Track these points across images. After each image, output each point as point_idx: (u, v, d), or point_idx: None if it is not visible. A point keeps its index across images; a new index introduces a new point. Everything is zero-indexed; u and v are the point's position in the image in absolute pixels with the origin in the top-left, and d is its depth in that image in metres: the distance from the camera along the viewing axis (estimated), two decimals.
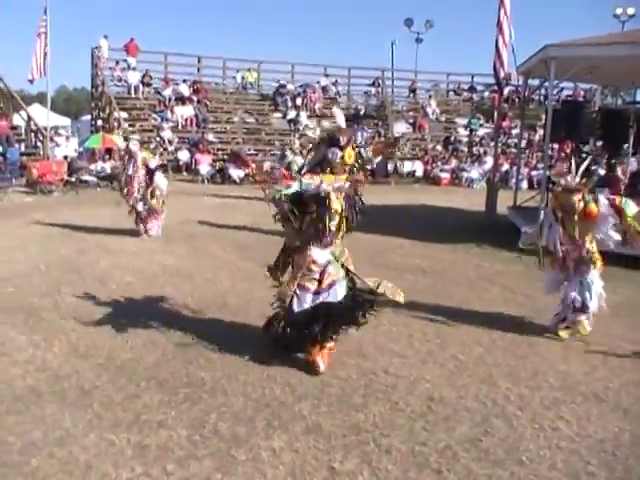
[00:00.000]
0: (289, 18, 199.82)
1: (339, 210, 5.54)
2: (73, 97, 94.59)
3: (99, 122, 28.78)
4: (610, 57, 11.98)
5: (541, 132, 26.74)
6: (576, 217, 6.66)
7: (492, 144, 23.53)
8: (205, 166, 24.92)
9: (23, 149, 23.47)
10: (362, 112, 32.32)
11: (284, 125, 30.78)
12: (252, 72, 33.18)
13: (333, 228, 5.56)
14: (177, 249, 10.96)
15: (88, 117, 34.50)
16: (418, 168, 28.33)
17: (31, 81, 22.75)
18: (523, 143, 24.92)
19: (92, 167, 21.92)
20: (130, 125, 27.04)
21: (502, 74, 15.31)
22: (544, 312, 7.36)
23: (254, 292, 8.08)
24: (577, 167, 6.80)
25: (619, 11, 35.19)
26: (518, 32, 14.98)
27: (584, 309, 6.81)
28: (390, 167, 27.41)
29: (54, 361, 5.71)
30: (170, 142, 27.02)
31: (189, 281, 8.79)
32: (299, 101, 31.59)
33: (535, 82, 17.73)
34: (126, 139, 13.76)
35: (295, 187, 5.29)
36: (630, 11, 35.00)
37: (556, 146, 23.45)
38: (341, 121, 5.91)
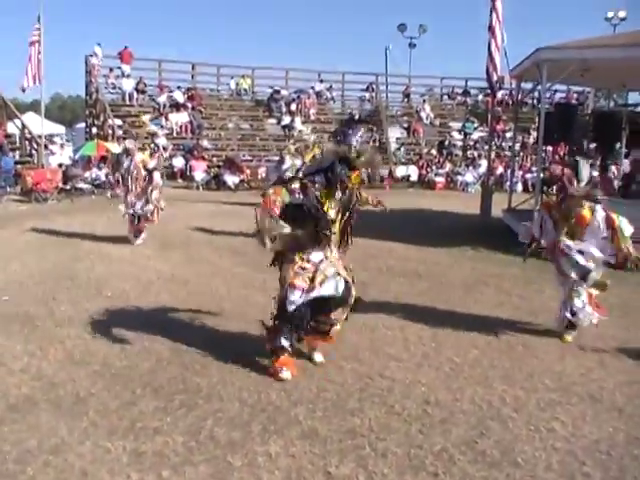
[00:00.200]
0: (282, 24, 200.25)
1: (335, 219, 5.61)
2: (67, 105, 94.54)
3: (94, 130, 28.78)
4: (602, 59, 12.05)
5: (535, 135, 26.80)
6: (572, 220, 6.69)
7: (486, 147, 23.59)
8: (200, 173, 24.93)
9: (17, 157, 23.44)
10: (356, 117, 32.35)
11: (279, 131, 30.79)
12: (246, 78, 33.18)
13: (331, 232, 5.60)
14: (172, 256, 10.96)
15: (83, 125, 34.47)
16: (413, 172, 28.40)
17: (24, 89, 22.71)
18: (517, 146, 25.01)
19: (87, 175, 21.89)
20: (124, 132, 27.04)
21: (495, 78, 15.40)
22: (539, 314, 7.40)
23: (250, 298, 8.10)
24: (586, 172, 6.84)
25: (610, 14, 35.38)
26: (511, 36, 15.07)
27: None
28: (385, 172, 27.47)
29: (49, 369, 5.70)
30: (165, 149, 27.00)
31: (184, 287, 8.79)
32: (293, 107, 31.61)
33: (528, 85, 17.82)
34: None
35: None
36: (621, 14, 35.20)
37: (550, 149, 23.50)
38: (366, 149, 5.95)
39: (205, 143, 28.25)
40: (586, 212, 6.65)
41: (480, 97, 35.66)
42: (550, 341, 6.82)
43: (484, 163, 24.97)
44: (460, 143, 32.26)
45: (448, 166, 28.95)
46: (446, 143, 31.63)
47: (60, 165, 22.85)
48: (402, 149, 31.20)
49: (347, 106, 34.98)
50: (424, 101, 35.02)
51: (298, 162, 15.20)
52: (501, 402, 5.21)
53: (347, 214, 5.82)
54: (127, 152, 11.80)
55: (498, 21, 14.55)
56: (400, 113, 34.79)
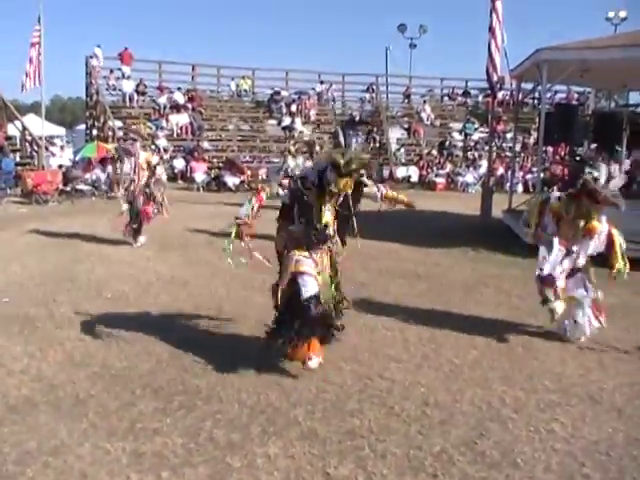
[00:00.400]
0: (282, 25, 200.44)
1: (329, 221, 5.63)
2: (68, 106, 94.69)
3: (94, 131, 28.81)
4: (602, 60, 12.05)
5: (535, 135, 26.80)
6: (581, 225, 6.65)
7: (487, 148, 23.59)
8: (200, 174, 24.93)
9: (18, 159, 23.45)
10: (357, 118, 32.36)
11: (279, 132, 30.82)
12: (246, 79, 33.21)
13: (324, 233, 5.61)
14: (172, 257, 10.96)
15: (83, 126, 34.51)
16: (413, 173, 28.42)
17: (23, 89, 22.67)
18: (517, 147, 25.01)
19: (87, 176, 21.88)
20: (125, 133, 27.04)
21: (495, 78, 15.38)
22: (539, 315, 7.37)
23: (249, 299, 8.10)
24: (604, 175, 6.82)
25: (611, 14, 35.37)
26: (511, 36, 15.08)
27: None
28: (386, 172, 27.51)
29: (49, 370, 5.70)
30: (165, 150, 27.01)
31: (184, 289, 8.79)
32: (294, 108, 31.63)
33: (529, 86, 17.81)
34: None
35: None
36: (622, 14, 35.18)
37: (550, 149, 23.50)
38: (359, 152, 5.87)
39: (205, 144, 28.28)
40: (597, 223, 6.63)
41: (480, 98, 35.64)
42: (550, 342, 6.82)
43: (484, 164, 24.97)
44: (460, 144, 32.26)
45: (449, 167, 28.98)
46: (446, 144, 31.63)
47: (60, 167, 22.86)
48: (402, 150, 31.19)
49: (347, 107, 34.99)
50: (424, 102, 35.03)
51: (300, 161, 15.23)
52: (501, 403, 5.21)
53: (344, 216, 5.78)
54: (129, 153, 11.78)
55: (498, 21, 14.55)
56: (400, 114, 34.81)
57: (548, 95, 24.54)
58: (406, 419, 4.85)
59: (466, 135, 32.57)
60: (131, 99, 29.70)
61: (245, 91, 33.23)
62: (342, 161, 5.34)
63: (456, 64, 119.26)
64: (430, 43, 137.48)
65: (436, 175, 28.02)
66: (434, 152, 31.10)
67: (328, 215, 5.60)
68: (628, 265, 6.75)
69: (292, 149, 17.37)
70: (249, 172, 25.18)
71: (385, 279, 9.58)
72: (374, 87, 34.46)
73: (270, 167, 25.95)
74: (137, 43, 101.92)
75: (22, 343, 6.39)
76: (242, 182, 24.48)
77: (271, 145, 30.28)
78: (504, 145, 30.91)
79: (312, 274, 5.51)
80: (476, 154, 30.96)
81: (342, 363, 5.91)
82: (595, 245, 6.70)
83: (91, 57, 29.68)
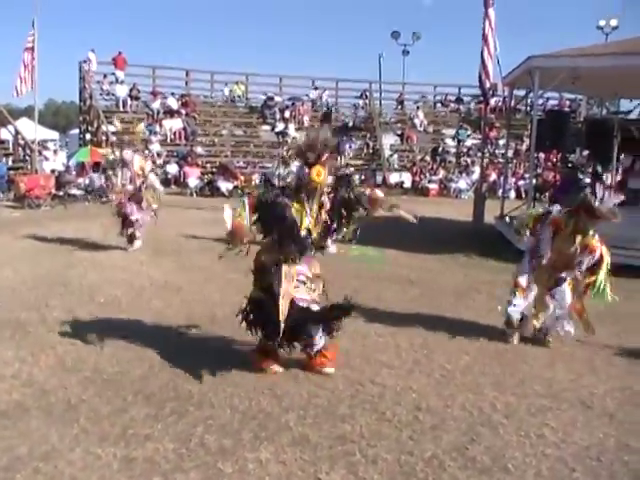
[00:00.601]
0: (276, 32, 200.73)
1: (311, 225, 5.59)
2: (62, 111, 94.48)
3: (87, 136, 28.78)
4: (593, 68, 12.12)
5: (528, 142, 26.91)
6: (578, 240, 6.68)
7: (479, 154, 23.68)
8: (194, 179, 24.94)
9: (11, 163, 23.42)
10: (350, 124, 32.42)
11: (273, 138, 30.83)
12: (240, 85, 33.27)
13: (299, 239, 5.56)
14: (165, 262, 10.96)
15: (77, 131, 34.47)
16: (406, 179, 28.47)
17: (18, 94, 22.63)
18: (510, 153, 25.09)
19: (80, 181, 21.86)
20: (119, 140, 27.02)
21: (488, 85, 15.45)
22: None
23: (242, 304, 8.07)
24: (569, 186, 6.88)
25: (602, 23, 35.52)
26: (504, 43, 15.15)
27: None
28: (379, 178, 27.57)
29: (40, 375, 5.68)
30: (159, 155, 26.99)
31: (177, 294, 8.79)
32: (287, 113, 31.67)
33: (521, 92, 17.88)
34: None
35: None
36: (613, 23, 35.34)
37: (543, 155, 23.59)
38: (318, 133, 5.66)
39: (199, 149, 28.28)
40: (593, 241, 6.67)
41: (472, 104, 35.75)
42: (541, 348, 6.85)
43: (477, 170, 25.08)
44: (453, 150, 32.36)
45: (441, 173, 29.05)
46: (439, 150, 31.70)
47: (53, 171, 22.83)
48: (395, 156, 31.25)
49: (341, 113, 35.04)
50: (418, 108, 35.14)
51: (293, 168, 15.21)
52: (492, 408, 5.22)
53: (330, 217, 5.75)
54: (124, 163, 11.74)
55: (491, 29, 14.63)
56: (394, 120, 34.87)
57: (540, 102, 24.66)
58: (397, 424, 4.86)
59: (459, 141, 32.67)
60: (124, 104, 29.70)
61: (239, 96, 33.29)
62: (303, 145, 5.38)
63: (449, 71, 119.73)
64: (423, 50, 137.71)
65: (429, 181, 28.10)
66: (427, 158, 31.18)
67: (308, 221, 5.57)
68: (609, 288, 6.81)
69: (285, 155, 17.38)
70: (242, 177, 25.20)
71: (377, 285, 9.59)
72: (367, 93, 34.54)
73: (263, 172, 25.96)
74: (131, 48, 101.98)
75: (14, 348, 6.37)
76: (235, 187, 24.49)
77: (265, 151, 30.28)
78: (497, 151, 31.01)
79: (307, 299, 5.53)
80: (469, 160, 31.06)
81: (334, 368, 5.92)
82: (588, 259, 6.76)
83: (85, 61, 29.68)
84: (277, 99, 32.79)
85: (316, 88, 34.40)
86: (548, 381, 5.87)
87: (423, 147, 32.30)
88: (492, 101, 28.58)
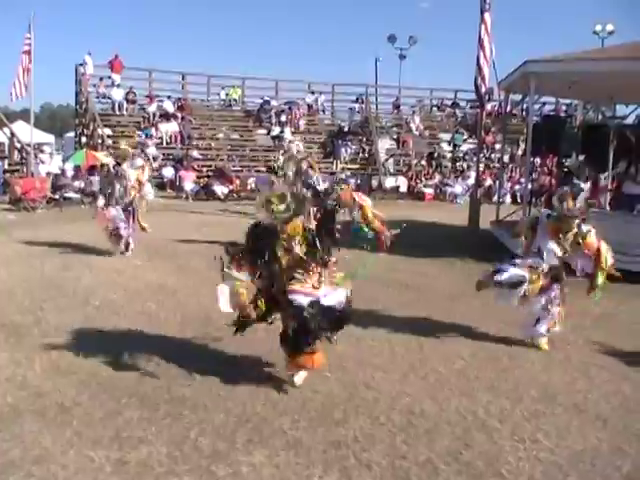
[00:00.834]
0: (273, 35, 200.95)
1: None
2: (58, 114, 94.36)
3: (83, 139, 28.74)
4: (589, 73, 12.14)
5: (524, 147, 26.96)
6: (567, 241, 6.75)
7: (475, 159, 23.71)
8: (189, 183, 24.90)
9: (6, 166, 23.38)
10: (346, 128, 32.46)
11: (268, 141, 30.81)
12: (236, 89, 33.27)
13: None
14: (161, 266, 10.95)
15: (72, 134, 34.44)
16: (402, 184, 28.48)
17: (16, 97, 22.61)
18: (506, 158, 25.11)
19: (76, 184, 21.81)
20: (114, 142, 27.02)
21: (484, 89, 15.48)
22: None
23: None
24: (578, 193, 6.95)
25: (598, 28, 35.62)
26: (501, 48, 15.19)
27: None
28: (374, 182, 27.61)
29: (35, 378, 5.67)
30: (154, 159, 26.96)
31: (172, 297, 8.78)
32: (283, 117, 31.66)
33: (517, 97, 17.92)
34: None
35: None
36: (609, 27, 35.44)
37: (539, 160, 23.61)
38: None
39: (195, 153, 28.23)
40: (590, 240, 6.73)
41: (468, 109, 35.80)
42: (535, 352, 6.86)
43: (473, 175, 25.08)
44: (449, 155, 32.37)
45: (437, 177, 29.07)
46: (435, 154, 31.70)
47: (49, 174, 22.79)
48: (391, 160, 31.27)
49: (337, 117, 35.06)
50: (414, 112, 35.14)
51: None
52: (486, 413, 5.22)
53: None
54: (120, 174, 11.68)
55: (487, 34, 14.66)
56: (390, 124, 34.87)
57: (536, 107, 24.71)
58: (392, 429, 4.86)
59: (455, 146, 32.71)
60: (120, 107, 29.65)
61: (235, 100, 33.27)
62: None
63: (445, 75, 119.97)
64: (420, 54, 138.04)
65: (425, 186, 28.10)
66: (423, 163, 31.19)
67: (298, 249, 5.43)
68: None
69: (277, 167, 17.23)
70: (238, 181, 25.21)
71: (372, 288, 9.56)
72: (364, 97, 34.56)
73: (259, 177, 25.96)
74: (128, 51, 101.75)
75: (8, 350, 6.36)
76: (231, 191, 24.52)
77: (260, 154, 30.27)
78: (492, 156, 31.04)
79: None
80: (465, 165, 31.09)
81: (328, 372, 5.91)
82: (586, 262, 6.81)
83: (81, 65, 29.63)
84: (273, 103, 32.77)
85: (312, 92, 34.40)
86: (542, 385, 5.88)
87: (419, 151, 32.29)
88: (488, 106, 28.63)
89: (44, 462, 4.23)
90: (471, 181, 26.03)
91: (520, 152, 29.47)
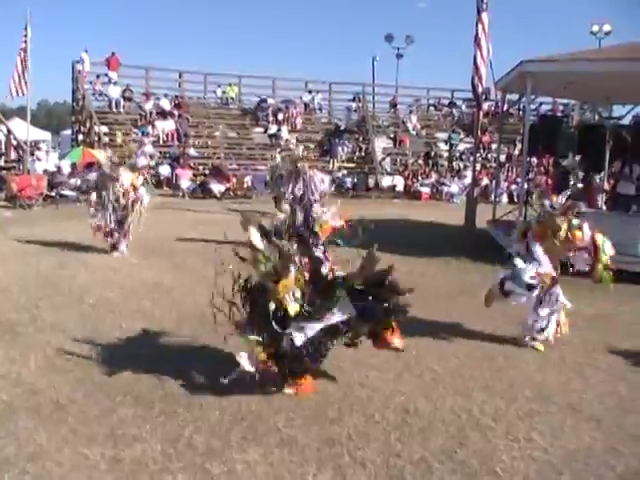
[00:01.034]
0: (270, 33, 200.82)
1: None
2: (54, 111, 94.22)
3: (80, 136, 28.70)
4: (585, 73, 12.15)
5: (520, 146, 27.00)
6: (558, 239, 6.76)
7: (472, 159, 23.72)
8: (186, 181, 24.88)
9: (2, 163, 23.34)
10: (343, 127, 32.44)
11: (265, 140, 30.81)
12: (233, 87, 33.25)
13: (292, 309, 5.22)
14: (156, 264, 10.94)
15: (69, 131, 34.38)
16: (399, 183, 28.48)
17: (17, 93, 22.58)
18: (502, 157, 25.13)
19: (72, 181, 21.75)
20: (111, 140, 27.02)
21: (480, 89, 15.47)
22: (521, 325, 7.42)
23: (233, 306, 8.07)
24: (561, 189, 6.96)
25: (595, 28, 35.62)
26: (498, 48, 15.21)
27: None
28: (371, 182, 27.61)
29: (30, 376, 5.67)
30: (151, 157, 26.90)
31: (168, 296, 8.78)
32: (280, 116, 31.65)
33: (514, 97, 17.92)
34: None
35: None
36: (607, 28, 35.44)
37: (535, 160, 23.64)
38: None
39: (192, 151, 28.22)
40: (577, 233, 6.72)
41: (464, 107, 35.80)
42: (531, 352, 6.88)
43: (469, 174, 25.10)
44: (446, 154, 32.42)
45: (434, 177, 29.09)
46: (432, 154, 31.75)
47: (45, 171, 22.75)
48: (388, 159, 31.28)
49: (334, 116, 35.06)
50: (410, 112, 35.19)
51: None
52: (481, 412, 5.23)
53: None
54: (113, 179, 11.61)
55: (484, 33, 14.66)
56: (387, 123, 34.90)
57: (534, 107, 24.73)
58: (386, 427, 4.87)
59: (451, 145, 32.73)
60: (117, 105, 29.63)
61: (232, 98, 33.25)
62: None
63: (442, 75, 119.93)
64: (417, 53, 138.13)
65: (421, 185, 28.10)
66: (420, 162, 31.20)
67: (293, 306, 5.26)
68: (610, 274, 6.85)
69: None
70: (234, 179, 25.19)
71: None
72: (361, 96, 34.56)
73: (255, 175, 25.95)
74: (124, 49, 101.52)
75: (3, 348, 6.36)
76: (227, 189, 24.49)
77: (257, 153, 30.27)
78: (489, 156, 31.07)
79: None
80: (461, 164, 31.13)
81: (323, 371, 5.91)
82: (583, 256, 6.80)
83: (78, 62, 29.59)
84: (270, 101, 32.77)
85: (309, 91, 34.41)
86: (537, 385, 5.89)
87: (416, 151, 32.33)
88: (485, 106, 28.64)
89: (39, 459, 4.23)
90: (468, 180, 26.04)
91: (517, 152, 29.52)
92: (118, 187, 11.47)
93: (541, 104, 31.09)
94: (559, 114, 29.46)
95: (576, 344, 7.03)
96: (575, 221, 6.85)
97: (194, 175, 25.89)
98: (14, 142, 24.08)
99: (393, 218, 18.48)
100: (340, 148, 30.43)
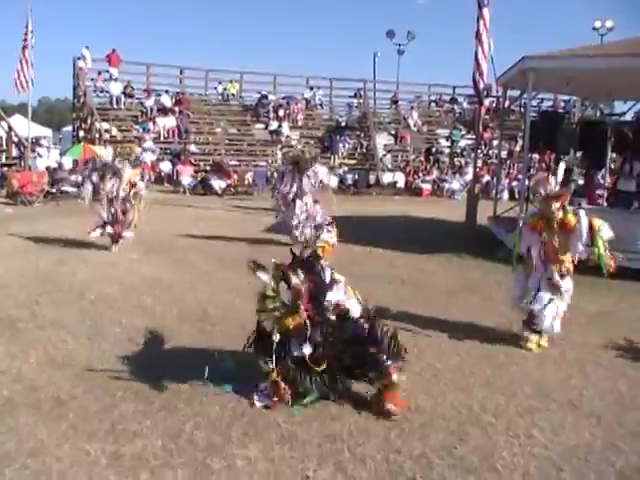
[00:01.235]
0: (271, 30, 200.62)
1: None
2: (55, 108, 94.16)
3: (81, 133, 28.69)
4: (587, 69, 12.11)
5: (521, 143, 26.96)
6: (555, 225, 6.75)
7: (473, 155, 23.70)
8: (187, 177, 24.89)
9: (4, 160, 23.34)
10: (343, 123, 32.44)
11: (266, 136, 30.81)
12: (234, 83, 33.25)
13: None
14: (157, 260, 10.94)
15: (70, 128, 34.38)
16: (400, 179, 28.47)
17: (22, 88, 22.59)
18: (504, 154, 25.09)
19: (73, 178, 21.75)
20: (111, 136, 27.03)
21: (482, 85, 15.48)
22: (521, 321, 7.43)
23: (234, 303, 8.09)
24: (556, 175, 6.92)
25: (598, 24, 35.54)
26: (500, 44, 15.17)
27: (532, 324, 6.91)
28: (372, 178, 27.61)
29: (30, 372, 5.67)
30: (153, 152, 26.92)
31: (168, 292, 8.77)
32: (281, 112, 31.64)
33: (515, 93, 17.89)
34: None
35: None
36: (609, 24, 35.36)
37: (537, 156, 23.60)
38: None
39: (192, 148, 28.24)
40: (570, 217, 6.71)
41: (465, 104, 35.76)
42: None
43: (471, 170, 25.08)
44: (447, 150, 32.40)
45: (435, 173, 29.07)
46: (433, 150, 31.72)
47: (47, 168, 22.75)
48: (389, 156, 31.27)
49: (335, 112, 35.05)
50: (412, 108, 35.17)
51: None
52: (481, 408, 5.23)
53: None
54: (115, 172, 11.64)
55: (485, 29, 14.66)
56: (388, 120, 34.88)
57: (535, 103, 24.68)
58: (386, 423, 4.85)
59: (452, 142, 32.72)
60: (118, 101, 29.63)
61: (233, 95, 33.24)
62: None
63: (443, 71, 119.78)
64: (418, 49, 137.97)
65: (422, 181, 28.09)
66: (421, 158, 31.19)
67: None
68: (610, 257, 6.82)
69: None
70: (235, 176, 25.20)
71: (369, 284, 9.53)
72: (362, 93, 34.54)
73: (256, 171, 25.98)
74: (125, 45, 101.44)
75: (4, 344, 6.36)
76: (228, 186, 24.49)
77: (258, 149, 30.27)
78: (490, 152, 31.04)
79: None
80: (462, 161, 31.10)
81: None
82: (579, 238, 6.74)
83: (79, 58, 29.58)
84: (271, 98, 32.78)
85: (311, 87, 34.41)
86: (538, 382, 5.88)
87: (417, 147, 32.32)
88: (486, 102, 28.60)
89: (39, 455, 4.23)
90: (469, 177, 26.04)
91: (518, 148, 29.49)
92: (118, 182, 11.46)
93: (542, 100, 31.08)
94: (560, 110, 29.45)
95: (577, 340, 7.03)
96: (569, 207, 6.86)
97: (195, 171, 25.91)
98: (15, 139, 24.06)
99: (394, 215, 18.50)
100: (341, 144, 30.48)
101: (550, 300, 6.83)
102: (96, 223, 11.53)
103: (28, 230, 13.21)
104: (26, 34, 22.08)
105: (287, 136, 30.37)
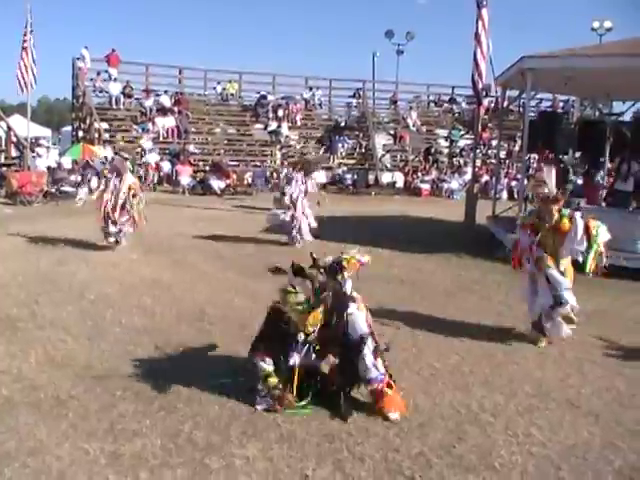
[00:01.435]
0: (270, 30, 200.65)
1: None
2: (55, 108, 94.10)
3: (80, 133, 28.67)
4: (585, 69, 12.13)
5: (521, 143, 26.97)
6: (549, 225, 6.78)
7: (472, 155, 23.70)
8: (186, 177, 24.85)
9: (3, 160, 23.33)
10: (343, 123, 32.43)
11: (265, 136, 30.77)
12: (233, 83, 33.22)
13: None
14: (156, 260, 10.94)
15: (69, 128, 34.35)
16: (399, 179, 28.46)
17: (23, 89, 22.59)
18: (502, 154, 25.09)
19: (72, 178, 21.75)
20: (111, 136, 27.03)
21: (481, 85, 15.48)
22: (520, 321, 7.45)
23: (233, 302, 8.12)
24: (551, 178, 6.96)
25: (596, 24, 35.51)
26: (499, 44, 15.21)
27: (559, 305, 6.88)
28: (371, 178, 27.61)
29: (30, 371, 5.68)
30: (151, 151, 26.88)
31: (167, 291, 8.79)
32: (281, 112, 31.61)
33: (514, 93, 17.90)
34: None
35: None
36: (607, 24, 35.34)
37: (536, 156, 23.61)
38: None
39: (192, 148, 28.21)
40: (565, 221, 6.74)
41: (464, 104, 35.73)
42: (530, 348, 6.89)
43: (469, 170, 25.08)
44: (446, 150, 32.37)
45: (434, 173, 29.04)
46: (432, 150, 31.69)
47: (48, 168, 22.74)
48: (388, 156, 31.26)
49: (334, 112, 35.03)
50: (411, 108, 35.12)
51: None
52: (480, 407, 5.25)
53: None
54: (116, 171, 11.66)
55: (484, 29, 14.66)
56: (387, 120, 34.86)
57: (534, 103, 24.68)
58: (385, 422, 4.87)
59: (452, 142, 32.68)
60: (117, 101, 29.60)
61: (232, 95, 33.22)
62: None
63: (442, 71, 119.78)
64: (417, 49, 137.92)
65: (421, 181, 28.06)
66: (420, 158, 31.17)
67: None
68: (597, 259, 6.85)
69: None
70: (234, 176, 25.18)
71: (368, 284, 9.50)
72: (361, 93, 34.53)
73: (255, 171, 25.98)
74: (124, 46, 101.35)
75: (4, 343, 6.37)
76: (228, 186, 24.48)
77: (257, 149, 30.26)
78: (489, 152, 31.02)
79: None
80: (461, 161, 31.08)
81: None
82: (573, 240, 6.75)
83: (78, 58, 29.56)
84: (270, 98, 32.72)
85: (310, 87, 34.39)
86: (536, 381, 5.90)
87: (416, 147, 32.27)
88: (485, 102, 28.59)
89: (39, 454, 4.25)
90: (468, 177, 26.02)
91: (517, 148, 29.47)
92: (119, 186, 11.46)
93: (541, 100, 31.05)
94: (559, 110, 29.45)
95: (575, 340, 7.04)
96: (565, 210, 6.88)
97: (194, 172, 25.86)
98: (14, 139, 24.03)
99: (393, 214, 18.50)
100: (340, 144, 30.47)
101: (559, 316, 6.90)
102: (102, 230, 11.56)
103: (28, 230, 13.20)
104: (25, 34, 22.06)
105: (286, 136, 30.33)
